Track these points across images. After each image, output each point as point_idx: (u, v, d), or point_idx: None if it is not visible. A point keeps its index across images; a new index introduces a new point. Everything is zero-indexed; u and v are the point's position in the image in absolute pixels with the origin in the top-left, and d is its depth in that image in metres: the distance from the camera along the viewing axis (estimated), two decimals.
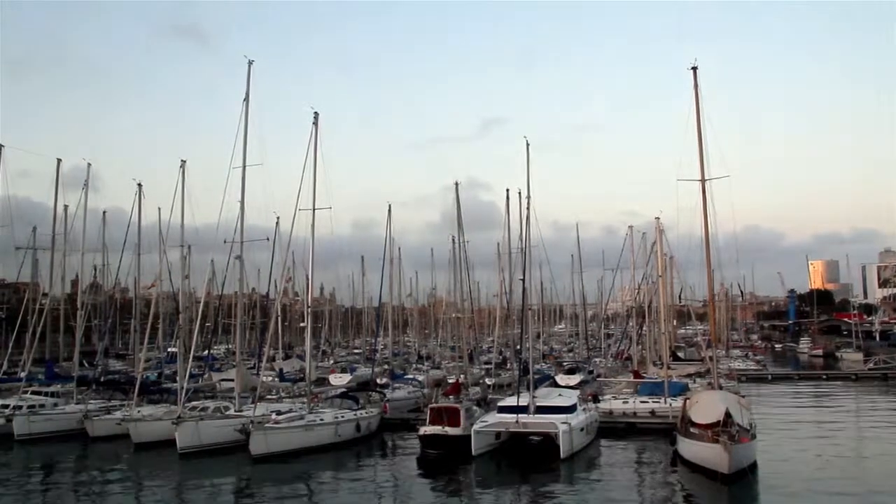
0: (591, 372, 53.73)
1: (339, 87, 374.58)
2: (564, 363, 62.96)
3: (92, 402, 38.48)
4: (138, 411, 34.53)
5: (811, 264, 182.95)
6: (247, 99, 34.97)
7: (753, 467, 23.86)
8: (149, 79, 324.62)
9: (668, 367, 40.41)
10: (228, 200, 34.68)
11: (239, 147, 34.54)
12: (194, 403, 34.14)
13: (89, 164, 43.18)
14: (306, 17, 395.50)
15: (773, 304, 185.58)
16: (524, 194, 36.73)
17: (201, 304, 43.59)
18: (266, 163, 35.25)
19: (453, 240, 46.45)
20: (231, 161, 34.41)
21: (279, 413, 32.01)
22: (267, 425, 29.58)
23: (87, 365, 51.91)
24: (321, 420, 32.19)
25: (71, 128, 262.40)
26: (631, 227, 55.70)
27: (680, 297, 66.69)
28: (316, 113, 35.49)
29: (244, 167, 34.57)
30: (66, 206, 44.35)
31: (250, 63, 35.01)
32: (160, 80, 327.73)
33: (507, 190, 47.01)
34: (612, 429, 33.80)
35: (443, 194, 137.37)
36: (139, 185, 44.64)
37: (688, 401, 29.18)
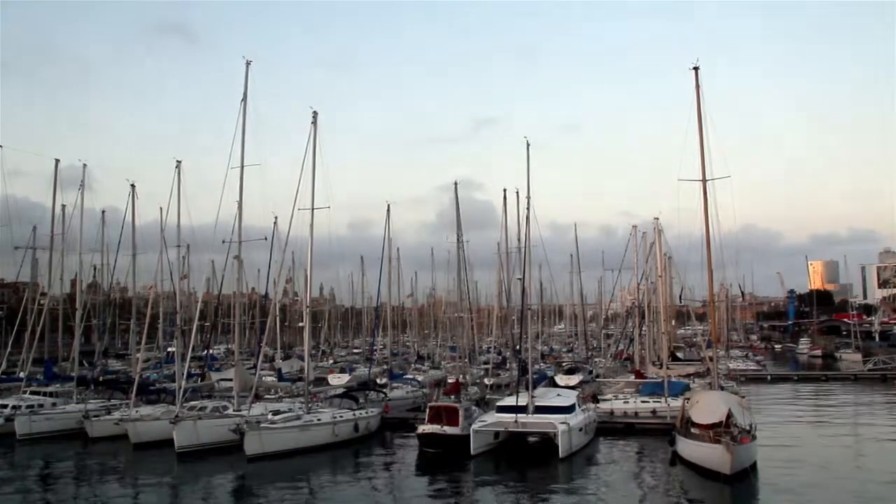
0: (590, 372, 53.68)
1: (331, 88, 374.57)
2: (564, 363, 62.89)
3: (92, 401, 38.40)
4: (136, 411, 34.51)
5: (810, 264, 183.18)
6: (244, 99, 34.97)
7: (754, 468, 23.84)
8: (144, 78, 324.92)
9: (668, 368, 40.33)
10: (226, 200, 34.74)
11: (237, 147, 34.59)
12: (192, 403, 34.10)
13: (85, 165, 43.23)
14: (300, 17, 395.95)
15: (772, 304, 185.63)
16: (523, 194, 36.69)
17: (199, 304, 43.55)
18: (263, 162, 35.34)
19: (457, 239, 46.42)
20: (229, 161, 34.49)
21: (276, 413, 31.98)
22: (262, 425, 29.53)
23: (86, 365, 51.85)
24: (318, 420, 32.09)
25: (65, 127, 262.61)
26: (635, 226, 55.51)
27: (680, 297, 66.62)
28: (315, 112, 35.47)
29: (242, 167, 34.58)
30: (63, 206, 44.38)
31: (248, 63, 35.09)
32: (156, 80, 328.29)
33: (505, 190, 47.08)
34: (611, 429, 33.75)
35: (437, 194, 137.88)
36: (132, 185, 44.87)
37: (687, 401, 29.15)
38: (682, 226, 33.39)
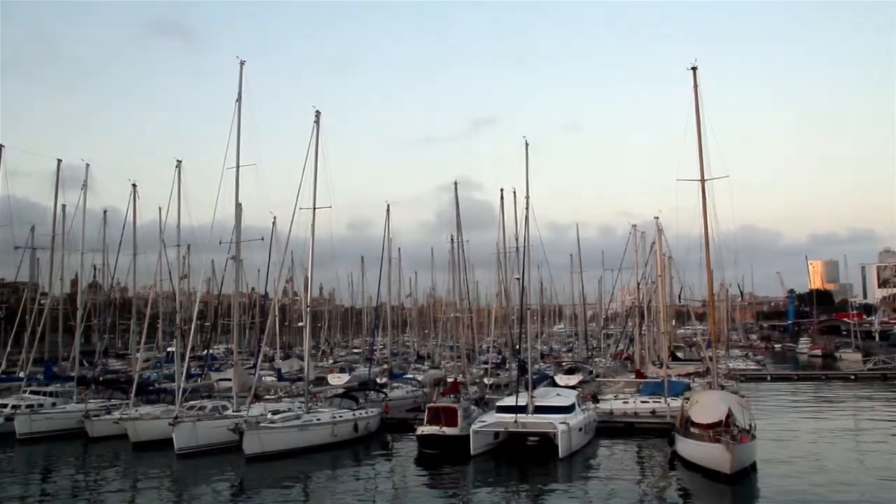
0: (590, 372, 53.67)
1: (331, 88, 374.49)
2: (564, 363, 62.86)
3: (92, 401, 38.42)
4: (136, 411, 34.50)
5: (810, 264, 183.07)
6: (239, 100, 35.01)
7: (754, 467, 23.86)
8: (145, 78, 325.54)
9: (668, 367, 40.31)
10: (224, 201, 34.76)
11: (232, 148, 34.58)
12: (192, 403, 34.09)
13: (88, 165, 43.11)
14: (299, 17, 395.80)
15: (772, 304, 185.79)
16: (521, 194, 36.63)
17: (197, 304, 43.49)
18: (261, 162, 35.37)
19: (452, 239, 46.44)
20: (225, 162, 34.52)
21: (276, 413, 31.95)
22: (261, 425, 29.52)
23: (86, 365, 51.87)
24: (317, 420, 32.08)
25: (65, 127, 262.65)
26: (635, 225, 55.42)
27: (680, 297, 66.61)
28: (318, 112, 35.41)
29: (238, 168, 34.61)
30: (63, 206, 44.38)
31: (242, 64, 35.27)
32: (157, 80, 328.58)
33: (502, 189, 47.09)
34: (611, 428, 33.72)
35: (436, 194, 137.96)
36: (133, 185, 44.80)
37: (687, 401, 29.14)
38: (681, 226, 33.50)
